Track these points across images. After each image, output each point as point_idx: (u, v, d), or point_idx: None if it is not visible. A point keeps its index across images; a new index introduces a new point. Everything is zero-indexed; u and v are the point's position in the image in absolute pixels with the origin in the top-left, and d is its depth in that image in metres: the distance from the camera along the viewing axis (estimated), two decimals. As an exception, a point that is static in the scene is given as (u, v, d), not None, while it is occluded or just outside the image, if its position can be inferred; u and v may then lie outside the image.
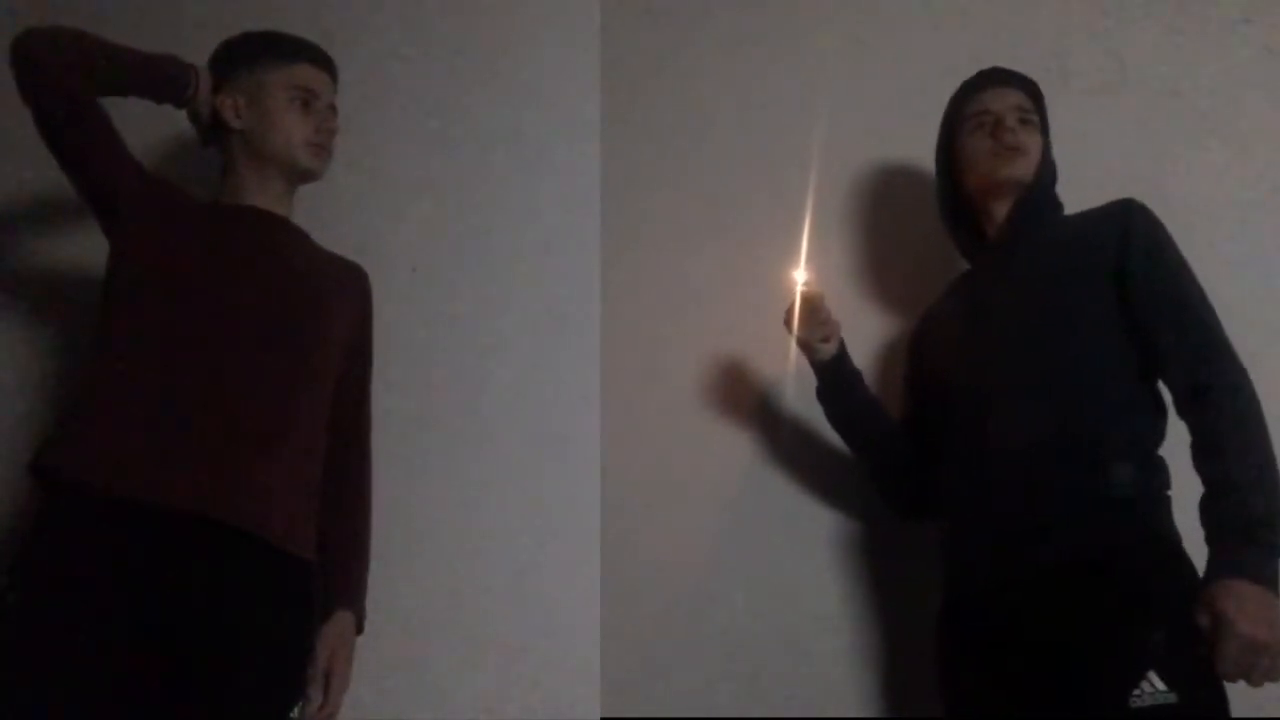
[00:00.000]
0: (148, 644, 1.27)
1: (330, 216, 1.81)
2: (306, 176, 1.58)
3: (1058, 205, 1.59)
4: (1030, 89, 1.60)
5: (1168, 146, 1.84)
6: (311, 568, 1.45)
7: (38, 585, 1.27)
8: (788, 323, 1.59)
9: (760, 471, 1.84)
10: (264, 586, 1.37)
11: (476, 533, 1.73)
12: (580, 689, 1.68)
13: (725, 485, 1.84)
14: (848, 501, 1.83)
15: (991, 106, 1.58)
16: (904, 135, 1.92)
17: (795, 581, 1.79)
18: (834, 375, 1.65)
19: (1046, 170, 1.58)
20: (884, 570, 1.79)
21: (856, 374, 1.67)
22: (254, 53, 1.56)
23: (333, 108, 1.60)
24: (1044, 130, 1.60)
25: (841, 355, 1.63)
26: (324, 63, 1.60)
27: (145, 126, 1.68)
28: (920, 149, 1.88)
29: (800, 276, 1.57)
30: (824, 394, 1.68)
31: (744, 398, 1.87)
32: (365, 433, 1.62)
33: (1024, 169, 1.54)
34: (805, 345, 1.60)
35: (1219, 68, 1.88)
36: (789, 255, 1.85)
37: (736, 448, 1.85)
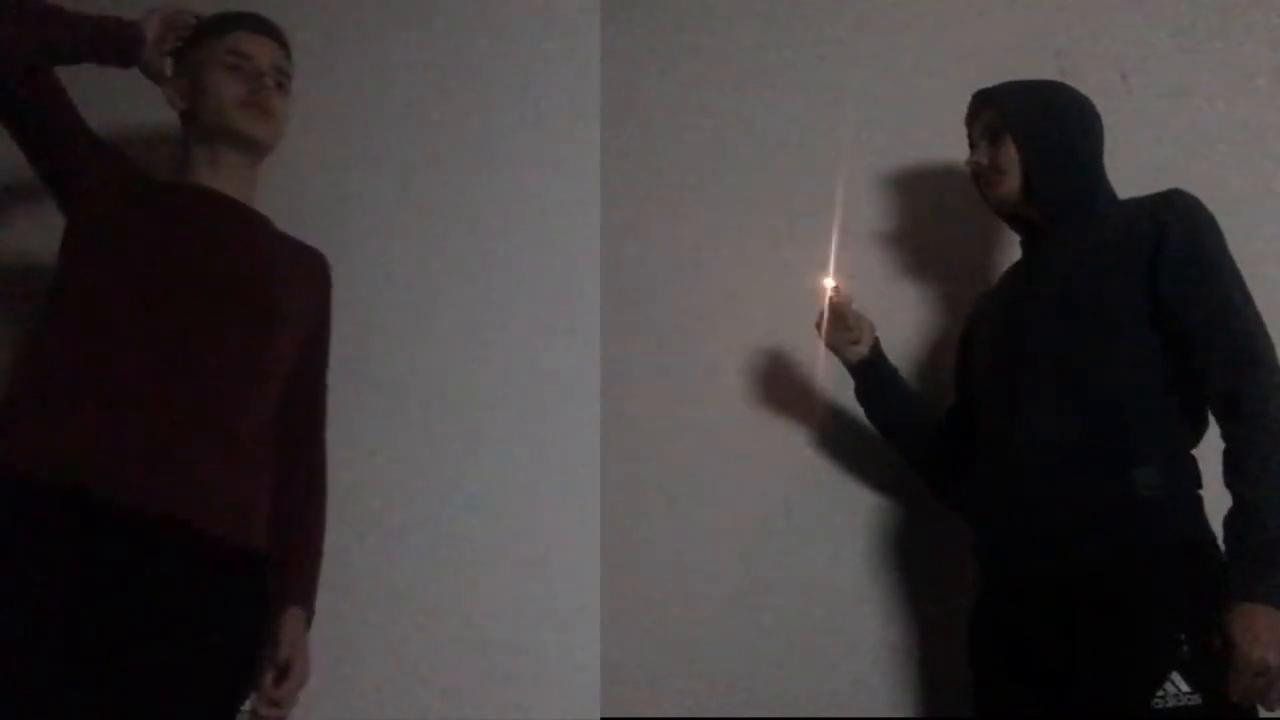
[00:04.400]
0: (91, 639, 1.24)
1: (327, 216, 1.79)
2: (247, 142, 1.52)
3: (1089, 195, 1.52)
4: (997, 99, 1.56)
5: (1168, 148, 1.85)
6: (263, 559, 1.43)
7: None
8: (819, 326, 1.62)
9: (762, 470, 1.84)
10: (211, 580, 1.34)
11: (476, 532, 1.71)
12: (580, 689, 1.66)
13: (726, 485, 1.83)
14: (848, 502, 1.82)
15: (970, 136, 1.62)
16: (902, 133, 1.92)
17: (797, 582, 1.79)
18: (869, 376, 1.66)
19: (1050, 169, 1.51)
20: (909, 569, 1.79)
21: (893, 372, 1.69)
22: (195, 35, 1.54)
23: (280, 70, 1.55)
24: (1028, 133, 1.52)
25: (875, 355, 1.64)
26: (262, 28, 1.56)
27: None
28: (923, 146, 1.89)
29: (829, 281, 1.59)
30: (861, 394, 1.70)
31: (746, 398, 1.86)
32: (320, 423, 1.59)
33: (1004, 186, 1.54)
34: (836, 349, 1.63)
35: (1221, 69, 1.89)
36: (784, 244, 1.87)
37: (737, 447, 1.85)
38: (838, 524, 1.81)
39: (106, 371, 1.33)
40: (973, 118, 1.63)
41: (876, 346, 1.65)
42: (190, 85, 1.51)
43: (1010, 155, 1.53)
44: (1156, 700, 1.19)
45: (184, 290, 1.39)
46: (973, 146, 1.61)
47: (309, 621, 1.49)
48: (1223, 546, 1.28)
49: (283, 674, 1.42)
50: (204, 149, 1.51)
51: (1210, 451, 1.34)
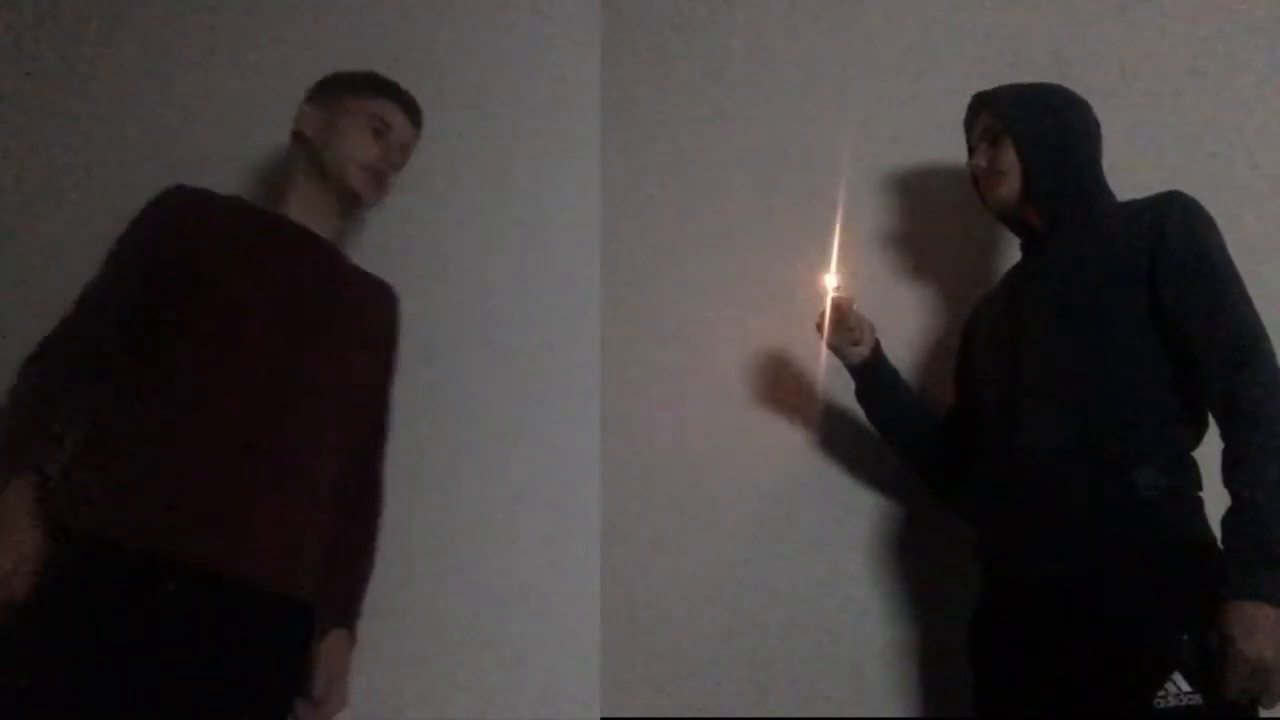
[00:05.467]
0: (131, 689, 1.25)
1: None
2: (355, 200, 1.58)
3: (1088, 198, 1.51)
4: (996, 102, 1.56)
5: (1168, 148, 1.85)
6: (305, 608, 1.44)
7: (32, 629, 1.26)
8: (819, 327, 1.62)
9: (762, 470, 1.84)
10: (249, 629, 1.35)
11: (476, 533, 1.72)
12: (580, 689, 1.67)
13: (726, 485, 1.83)
14: (848, 502, 1.82)
15: (969, 139, 1.63)
16: (903, 134, 1.93)
17: (797, 582, 1.79)
18: (869, 377, 1.67)
19: (1049, 170, 1.51)
20: (909, 569, 1.79)
21: (894, 374, 1.69)
22: (350, 82, 1.61)
23: (406, 150, 1.62)
24: (1028, 136, 1.52)
25: (876, 356, 1.65)
26: (409, 107, 1.62)
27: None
28: (924, 147, 1.89)
29: (831, 281, 1.59)
30: (861, 395, 1.70)
31: (746, 398, 1.86)
32: (378, 460, 1.61)
33: (1004, 189, 1.54)
34: (836, 350, 1.63)
35: (1220, 68, 1.89)
36: (785, 244, 1.87)
37: (737, 447, 1.85)
38: (838, 524, 1.81)
39: (153, 424, 1.34)
40: (971, 120, 1.63)
41: (877, 347, 1.65)
42: (326, 121, 1.56)
43: (1009, 158, 1.53)
44: (1157, 700, 1.20)
45: (235, 343, 1.40)
46: (971, 150, 1.61)
47: (353, 638, 1.51)
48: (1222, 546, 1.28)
49: (320, 700, 1.44)
50: (311, 182, 1.57)
51: (1210, 452, 1.34)
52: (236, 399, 1.37)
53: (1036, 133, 1.52)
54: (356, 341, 1.55)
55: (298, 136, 1.59)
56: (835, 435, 1.83)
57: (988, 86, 1.61)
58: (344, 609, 1.51)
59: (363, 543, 1.57)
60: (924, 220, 1.90)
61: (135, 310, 1.41)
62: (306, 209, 1.56)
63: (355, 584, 1.54)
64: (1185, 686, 1.20)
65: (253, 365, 1.39)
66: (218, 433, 1.35)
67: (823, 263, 1.68)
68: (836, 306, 1.59)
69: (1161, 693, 1.20)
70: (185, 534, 1.30)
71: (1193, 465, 1.38)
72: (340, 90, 1.60)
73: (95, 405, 1.38)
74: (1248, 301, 1.36)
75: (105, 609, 1.26)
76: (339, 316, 1.52)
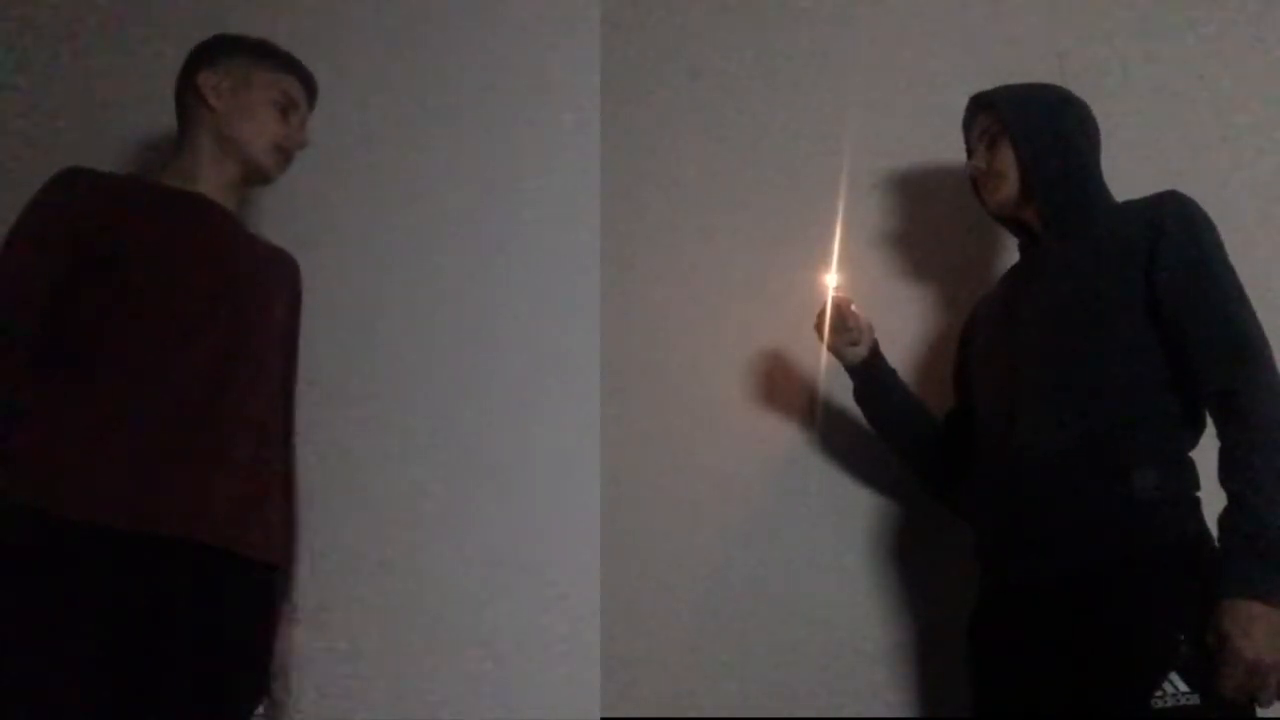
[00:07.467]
0: (114, 661, 1.25)
1: (326, 217, 1.79)
2: (260, 176, 1.58)
3: (1087, 199, 1.51)
4: (995, 103, 1.55)
5: (1168, 148, 1.85)
6: (275, 571, 1.46)
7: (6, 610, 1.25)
8: (818, 327, 1.62)
9: (761, 471, 1.84)
10: (238, 596, 1.38)
11: (477, 533, 1.71)
12: (580, 689, 1.67)
13: (726, 485, 1.83)
14: (848, 502, 1.82)
15: (968, 140, 1.63)
16: (903, 134, 1.93)
17: (797, 582, 1.79)
18: (867, 377, 1.66)
19: (1048, 171, 1.50)
20: (909, 569, 1.79)
21: (892, 374, 1.69)
22: (250, 48, 1.57)
23: (304, 126, 1.61)
24: (1027, 137, 1.51)
25: (874, 357, 1.65)
26: (309, 85, 1.62)
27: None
28: (924, 147, 1.89)
29: (831, 281, 1.59)
30: (859, 396, 1.70)
31: (746, 398, 1.86)
32: (293, 429, 1.61)
33: (1003, 190, 1.54)
34: (835, 350, 1.63)
35: (1220, 68, 1.89)
36: (785, 244, 1.87)
37: (737, 447, 1.85)
38: (837, 524, 1.81)
39: (107, 394, 1.33)
40: (970, 122, 1.63)
41: (875, 348, 1.65)
42: (231, 91, 1.53)
43: (1008, 159, 1.53)
44: (1155, 700, 1.20)
45: (184, 312, 1.40)
46: (970, 151, 1.61)
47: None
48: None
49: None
50: (215, 153, 1.53)
51: (1208, 452, 1.34)
52: (181, 377, 1.36)
53: (1035, 134, 1.52)
54: (279, 308, 1.56)
55: (200, 100, 1.52)
56: (835, 435, 1.84)
57: (987, 87, 1.60)
58: (289, 584, 1.52)
59: (296, 522, 1.56)
60: (924, 220, 1.90)
61: (54, 296, 1.36)
62: (215, 181, 1.52)
63: (295, 559, 1.54)
64: (1183, 686, 1.19)
65: (194, 343, 1.38)
66: (169, 409, 1.34)
67: (823, 263, 1.68)
68: (836, 306, 1.59)
69: (1159, 693, 1.20)
70: (150, 507, 1.29)
71: (1190, 466, 1.37)
72: (239, 56, 1.55)
73: (20, 386, 1.34)
74: (1245, 301, 1.36)
75: (95, 589, 1.25)
76: (262, 287, 1.52)
